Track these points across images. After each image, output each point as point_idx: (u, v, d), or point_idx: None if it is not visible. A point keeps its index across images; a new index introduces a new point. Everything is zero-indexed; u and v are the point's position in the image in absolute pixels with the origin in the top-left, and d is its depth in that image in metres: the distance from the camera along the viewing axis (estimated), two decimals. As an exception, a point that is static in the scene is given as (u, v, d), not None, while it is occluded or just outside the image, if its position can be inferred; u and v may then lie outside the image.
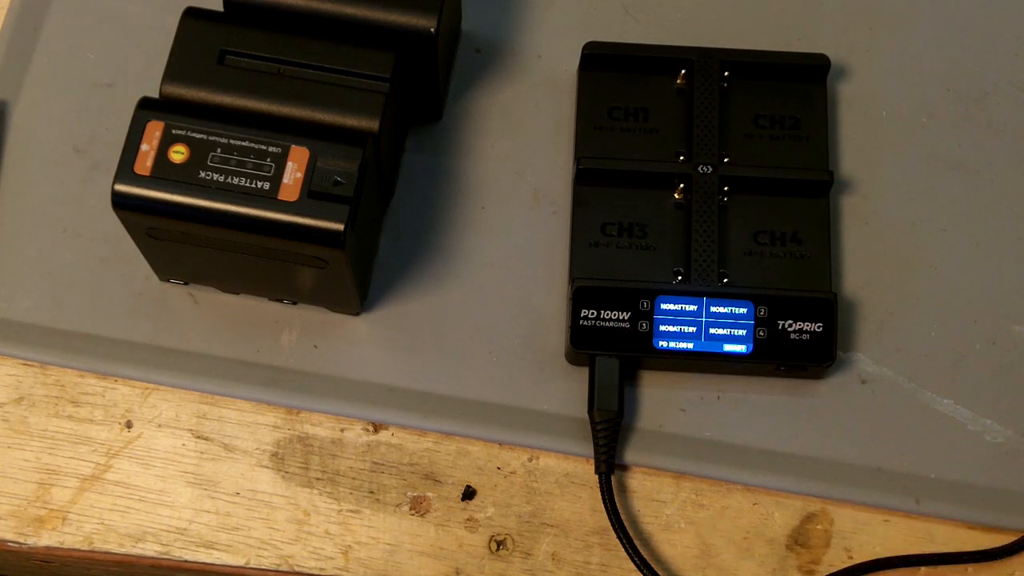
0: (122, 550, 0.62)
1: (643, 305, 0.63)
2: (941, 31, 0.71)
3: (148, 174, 0.57)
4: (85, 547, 0.62)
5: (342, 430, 0.64)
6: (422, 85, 0.65)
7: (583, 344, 0.63)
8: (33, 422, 0.64)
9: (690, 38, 0.70)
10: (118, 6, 0.70)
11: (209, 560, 0.62)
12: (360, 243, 0.60)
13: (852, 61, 0.70)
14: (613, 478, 0.62)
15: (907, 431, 0.64)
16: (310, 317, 0.65)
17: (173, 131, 0.57)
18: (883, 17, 0.71)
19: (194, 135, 0.57)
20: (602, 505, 0.62)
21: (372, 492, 0.63)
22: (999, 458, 0.64)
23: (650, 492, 0.63)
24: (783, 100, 0.67)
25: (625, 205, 0.65)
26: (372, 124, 0.59)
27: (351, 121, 0.59)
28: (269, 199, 0.56)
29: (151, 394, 0.64)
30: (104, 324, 0.65)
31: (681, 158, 0.66)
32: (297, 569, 0.62)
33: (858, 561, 0.62)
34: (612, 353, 0.63)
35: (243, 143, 0.57)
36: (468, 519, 0.63)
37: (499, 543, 0.62)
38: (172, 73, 0.59)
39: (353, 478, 0.63)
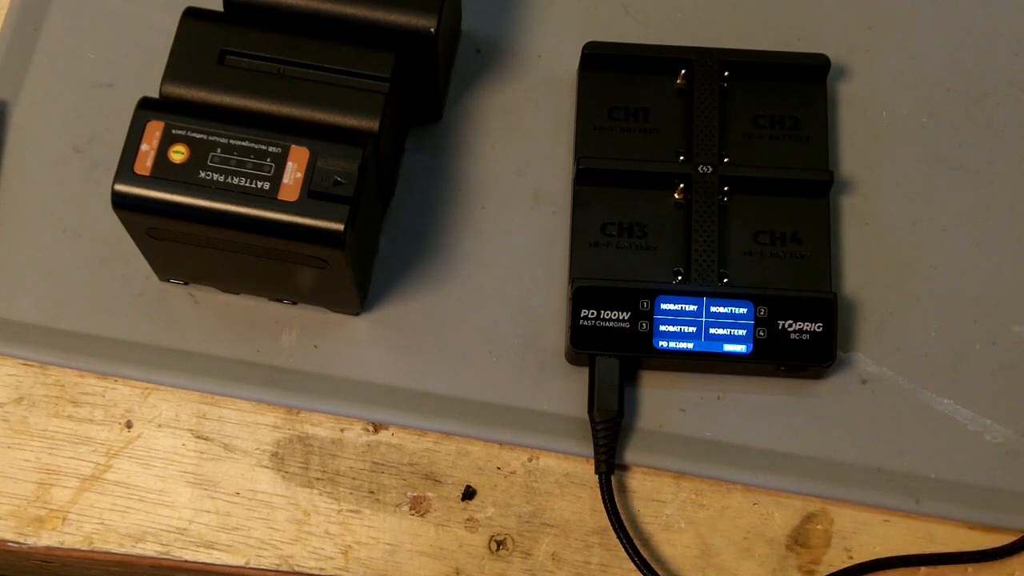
0: (122, 550, 0.62)
1: (643, 305, 0.63)
2: (941, 31, 0.71)
3: (148, 174, 0.57)
4: (85, 547, 0.62)
5: (342, 430, 0.64)
6: (422, 85, 0.65)
7: (583, 344, 0.63)
8: (33, 422, 0.64)
9: (690, 38, 0.70)
10: (118, 6, 0.70)
11: (209, 560, 0.62)
12: (360, 243, 0.60)
13: (852, 61, 0.70)
14: (613, 478, 0.62)
15: (907, 431, 0.64)
16: (310, 317, 0.65)
17: (173, 131, 0.57)
18: (883, 17, 0.71)
19: (194, 135, 0.57)
20: (602, 505, 0.62)
21: (372, 492, 0.63)
22: (999, 458, 0.64)
23: (650, 492, 0.63)
24: (783, 100, 0.67)
25: (625, 205, 0.65)
26: (372, 124, 0.59)
27: (351, 121, 0.59)
28: (269, 199, 0.56)
29: (151, 394, 0.64)
30: (104, 324, 0.65)
31: (681, 158, 0.66)
32: (297, 569, 0.62)
33: (858, 561, 0.62)
34: (612, 353, 0.63)
35: (243, 143, 0.57)
36: (468, 519, 0.63)
37: (499, 543, 0.62)
38: (172, 73, 0.59)
39: (353, 478, 0.63)
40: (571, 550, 0.62)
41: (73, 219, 0.66)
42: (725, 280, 0.64)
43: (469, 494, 0.63)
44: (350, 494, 0.63)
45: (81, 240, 0.66)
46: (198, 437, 0.64)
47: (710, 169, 0.65)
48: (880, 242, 0.67)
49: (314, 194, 0.56)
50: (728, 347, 0.63)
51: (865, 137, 0.69)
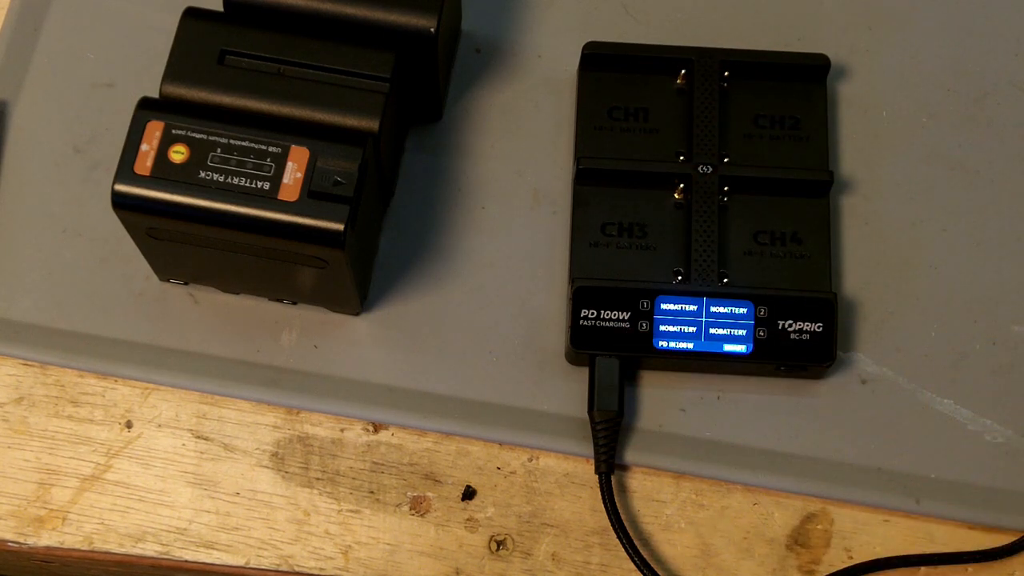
0: (122, 550, 0.62)
1: (643, 305, 0.63)
2: (941, 31, 0.71)
3: (148, 174, 0.57)
4: (85, 547, 0.62)
5: (342, 430, 0.64)
6: (422, 85, 0.65)
7: (583, 344, 0.63)
8: (33, 422, 0.64)
9: (690, 38, 0.70)
10: (118, 6, 0.70)
11: (209, 560, 0.62)
12: (360, 243, 0.60)
13: (852, 61, 0.70)
14: (613, 478, 0.62)
15: (907, 431, 0.64)
16: (310, 317, 0.65)
17: (173, 131, 0.57)
18: (883, 17, 0.71)
19: (194, 135, 0.57)
20: (602, 505, 0.62)
21: (372, 492, 0.63)
22: (999, 458, 0.64)
23: (650, 492, 0.63)
24: (783, 100, 0.67)
25: (625, 205, 0.65)
26: (372, 124, 0.59)
27: (351, 121, 0.59)
28: (269, 199, 0.56)
29: (151, 394, 0.64)
30: (104, 324, 0.65)
31: (681, 158, 0.66)
32: (297, 569, 0.62)
33: (858, 561, 0.62)
34: (612, 353, 0.63)
35: (243, 143, 0.57)
36: (468, 519, 0.63)
37: (499, 543, 0.62)
38: (172, 73, 0.59)
39: (353, 478, 0.63)
40: (571, 550, 0.62)
41: (73, 219, 0.66)
42: (725, 280, 0.64)
43: (469, 494, 0.63)
44: (350, 494, 0.63)
45: (81, 240, 0.66)
46: (198, 437, 0.64)
47: (710, 169, 0.65)
48: (880, 242, 0.67)
49: (314, 194, 0.56)
50: (728, 347, 0.63)
51: (865, 137, 0.69)
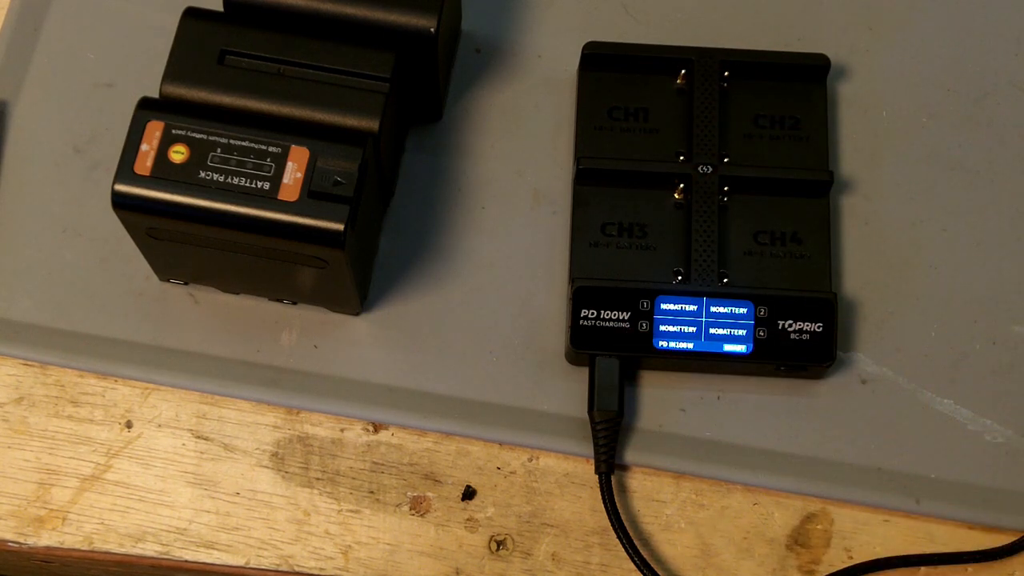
0: (122, 550, 0.62)
1: (643, 305, 0.63)
2: (941, 31, 0.71)
3: (148, 174, 0.57)
4: (85, 547, 0.62)
5: (342, 430, 0.64)
6: (422, 85, 0.65)
7: (583, 344, 0.63)
8: (33, 422, 0.64)
9: (690, 38, 0.70)
10: (118, 6, 0.70)
11: (209, 560, 0.62)
12: (360, 243, 0.60)
13: (852, 61, 0.70)
14: (613, 478, 0.62)
15: (907, 431, 0.64)
16: (310, 317, 0.65)
17: (173, 131, 0.57)
18: (883, 17, 0.71)
19: (194, 135, 0.57)
20: (602, 505, 0.62)
21: (372, 492, 0.63)
22: (999, 458, 0.64)
23: (650, 492, 0.63)
24: (783, 100, 0.67)
25: (625, 205, 0.65)
26: (372, 124, 0.59)
27: (351, 121, 0.59)
28: (269, 199, 0.56)
29: (151, 394, 0.64)
30: (104, 324, 0.65)
31: (681, 158, 0.66)
32: (297, 569, 0.62)
33: (858, 561, 0.62)
34: (612, 353, 0.63)
35: (243, 143, 0.57)
36: (468, 519, 0.63)
37: (499, 543, 0.62)
38: (172, 73, 0.59)
39: (353, 478, 0.63)
40: (571, 550, 0.62)
41: (73, 219, 0.66)
42: (725, 280, 0.64)
43: (469, 494, 0.63)
44: (350, 494, 0.63)
45: (81, 240, 0.66)
46: (198, 437, 0.64)
47: (710, 169, 0.65)
48: (880, 242, 0.67)
49: (314, 194, 0.56)
50: (728, 347, 0.63)
51: (865, 137, 0.69)
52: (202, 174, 0.57)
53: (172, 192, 0.56)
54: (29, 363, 0.65)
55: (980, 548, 0.62)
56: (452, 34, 0.68)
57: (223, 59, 0.59)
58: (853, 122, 0.69)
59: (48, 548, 0.62)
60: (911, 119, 0.69)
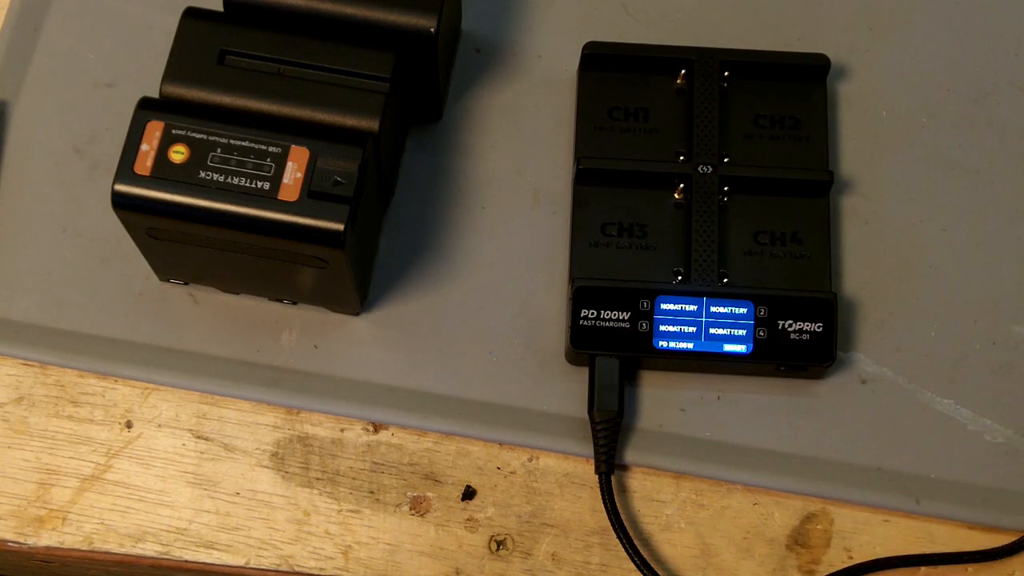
0: (122, 550, 0.62)
1: (643, 305, 0.63)
2: (941, 31, 0.71)
3: (148, 174, 0.57)
4: (85, 547, 0.62)
5: (342, 430, 0.64)
6: (422, 85, 0.65)
7: (583, 344, 0.63)
8: (33, 422, 0.64)
9: (690, 38, 0.70)
10: (118, 6, 0.70)
11: (209, 560, 0.62)
12: (360, 243, 0.60)
13: (852, 61, 0.70)
14: (613, 478, 0.62)
15: (907, 431, 0.64)
16: (310, 317, 0.65)
17: (173, 131, 0.57)
18: (883, 17, 0.71)
19: (194, 135, 0.57)
20: (602, 505, 0.62)
21: (372, 492, 0.63)
22: (999, 458, 0.64)
23: (650, 492, 0.63)
24: (783, 100, 0.67)
25: (625, 205, 0.65)
26: (372, 124, 0.59)
27: (351, 121, 0.59)
28: (269, 199, 0.56)
29: (151, 394, 0.64)
30: (104, 324, 0.65)
31: (681, 158, 0.66)
32: (297, 569, 0.62)
33: (858, 561, 0.62)
34: (612, 353, 0.63)
35: (243, 143, 0.57)
36: (468, 519, 0.63)
37: (499, 543, 0.62)
38: (172, 73, 0.59)
39: (353, 478, 0.63)
40: (571, 550, 0.62)
41: (73, 219, 0.66)
42: (725, 280, 0.64)
43: (469, 494, 0.63)
44: (350, 494, 0.63)
45: (81, 240, 0.66)
46: (198, 437, 0.64)
47: (710, 169, 0.65)
48: (880, 242, 0.67)
49: (314, 194, 0.56)
50: (728, 347, 0.63)
51: (865, 137, 0.69)
52: (202, 174, 0.57)
53: (172, 192, 0.56)
54: (29, 363, 0.65)
55: (980, 548, 0.62)
56: (452, 34, 0.68)
57: (223, 59, 0.59)
58: (853, 122, 0.69)
59: (48, 548, 0.62)
60: (911, 119, 0.69)
